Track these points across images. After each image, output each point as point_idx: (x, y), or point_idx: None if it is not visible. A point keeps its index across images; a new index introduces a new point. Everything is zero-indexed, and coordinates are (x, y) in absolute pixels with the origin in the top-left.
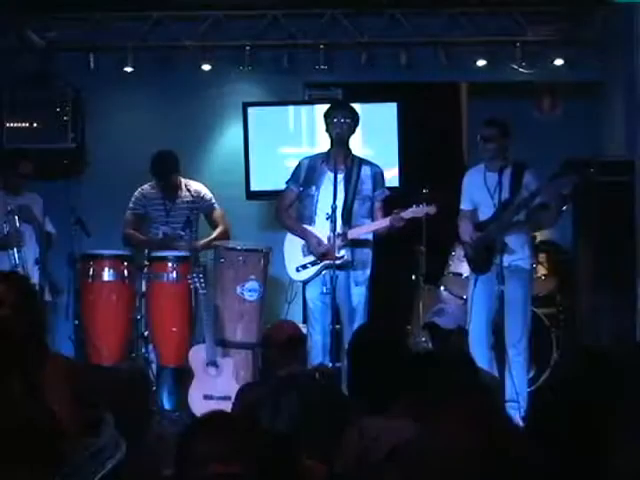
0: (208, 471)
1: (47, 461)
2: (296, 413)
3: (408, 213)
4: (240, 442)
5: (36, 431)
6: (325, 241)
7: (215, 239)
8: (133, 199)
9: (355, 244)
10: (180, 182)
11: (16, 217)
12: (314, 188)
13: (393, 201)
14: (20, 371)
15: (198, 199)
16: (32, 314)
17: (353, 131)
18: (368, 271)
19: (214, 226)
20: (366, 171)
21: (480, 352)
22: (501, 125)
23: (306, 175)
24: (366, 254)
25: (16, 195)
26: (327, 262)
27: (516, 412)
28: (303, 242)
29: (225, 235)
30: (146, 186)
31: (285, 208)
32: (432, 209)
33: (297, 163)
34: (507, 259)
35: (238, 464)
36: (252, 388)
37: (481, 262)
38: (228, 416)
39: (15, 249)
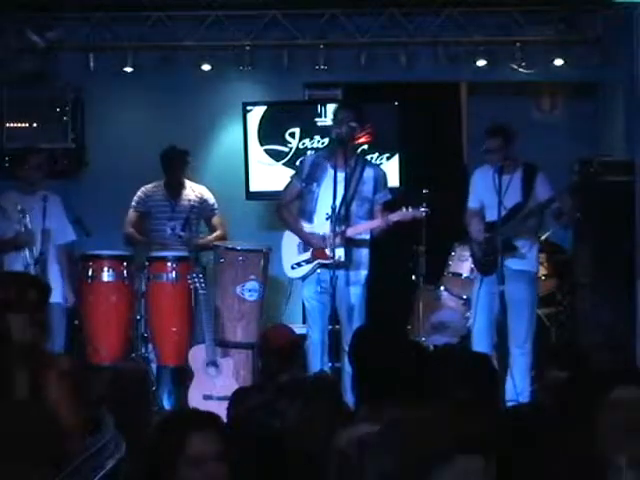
0: (202, 469)
1: (48, 461)
2: (295, 419)
3: (395, 216)
4: (230, 442)
5: (37, 431)
6: (322, 239)
7: (213, 241)
8: (136, 198)
9: (351, 244)
10: (184, 182)
11: (27, 216)
12: (315, 185)
13: (392, 201)
14: (22, 372)
15: (201, 201)
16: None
17: (357, 133)
18: (364, 272)
19: (213, 231)
20: (369, 173)
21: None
22: (504, 133)
23: (309, 171)
24: (362, 254)
25: (32, 193)
26: (320, 261)
27: None
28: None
29: (222, 240)
30: (149, 185)
31: (287, 202)
32: (419, 213)
33: (303, 159)
34: (514, 261)
35: (227, 463)
36: (248, 392)
37: (488, 263)
38: (215, 416)
39: (27, 249)
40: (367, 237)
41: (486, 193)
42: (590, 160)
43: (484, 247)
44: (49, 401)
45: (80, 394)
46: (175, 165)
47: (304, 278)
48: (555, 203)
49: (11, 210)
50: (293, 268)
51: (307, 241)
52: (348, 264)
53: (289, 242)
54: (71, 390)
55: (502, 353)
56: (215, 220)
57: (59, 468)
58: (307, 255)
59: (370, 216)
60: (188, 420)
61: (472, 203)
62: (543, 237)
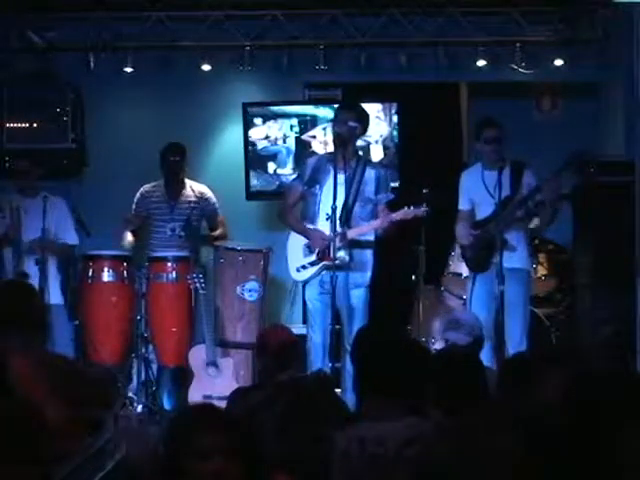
0: (210, 465)
1: (29, 461)
2: (292, 419)
3: (398, 215)
4: (240, 436)
5: (17, 431)
6: (327, 237)
7: (214, 238)
8: (135, 200)
9: (354, 245)
10: (185, 182)
11: (20, 215)
12: (318, 187)
13: (393, 201)
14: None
15: (202, 201)
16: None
17: (359, 134)
18: (368, 273)
19: (214, 230)
20: (370, 174)
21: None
22: (500, 125)
23: (312, 173)
24: (366, 256)
25: (33, 196)
26: (326, 263)
27: None
28: (305, 242)
29: (223, 240)
30: (147, 186)
31: (289, 205)
32: (421, 212)
33: (304, 161)
34: (506, 259)
35: (238, 458)
36: (245, 392)
37: (479, 261)
38: (221, 410)
39: (15, 246)
40: (371, 238)
41: (477, 191)
42: (590, 160)
43: (473, 244)
44: (38, 400)
45: (77, 394)
46: (173, 160)
47: (308, 280)
48: (539, 195)
49: (7, 208)
50: (298, 271)
51: (312, 239)
52: (352, 266)
53: (295, 244)
54: (64, 389)
55: (502, 353)
56: (218, 219)
57: (50, 469)
58: (312, 257)
59: (373, 217)
60: (197, 416)
61: (462, 205)
62: (538, 239)
